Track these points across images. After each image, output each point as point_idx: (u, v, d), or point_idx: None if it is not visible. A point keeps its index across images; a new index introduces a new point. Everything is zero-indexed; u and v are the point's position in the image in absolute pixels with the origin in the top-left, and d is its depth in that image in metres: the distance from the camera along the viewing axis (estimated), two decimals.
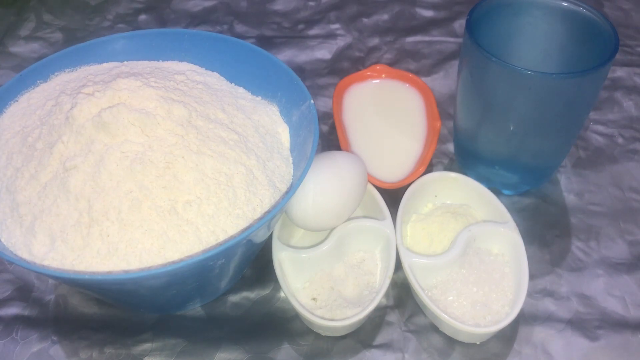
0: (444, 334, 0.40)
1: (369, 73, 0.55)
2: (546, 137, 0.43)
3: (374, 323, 0.41)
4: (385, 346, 0.40)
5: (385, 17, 0.67)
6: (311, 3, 0.68)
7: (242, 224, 0.35)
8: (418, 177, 0.45)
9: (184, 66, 0.45)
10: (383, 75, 0.55)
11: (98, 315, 0.41)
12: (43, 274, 0.33)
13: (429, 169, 0.50)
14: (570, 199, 0.48)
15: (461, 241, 0.41)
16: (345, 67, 0.61)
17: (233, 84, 0.45)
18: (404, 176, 0.47)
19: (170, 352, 0.39)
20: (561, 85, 0.38)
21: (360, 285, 0.41)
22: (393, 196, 0.45)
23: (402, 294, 0.42)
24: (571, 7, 0.42)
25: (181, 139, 0.36)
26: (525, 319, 0.41)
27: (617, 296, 0.42)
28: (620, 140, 0.53)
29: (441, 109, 0.53)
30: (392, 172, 0.48)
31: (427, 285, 0.40)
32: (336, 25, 0.65)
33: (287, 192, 0.38)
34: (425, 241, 0.43)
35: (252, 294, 0.42)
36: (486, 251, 0.41)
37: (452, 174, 0.45)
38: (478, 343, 0.39)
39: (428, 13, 0.67)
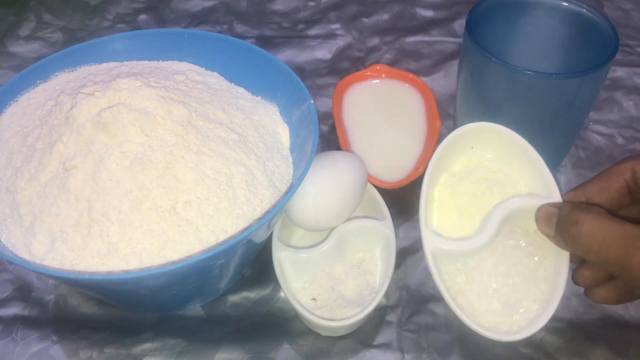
0: (444, 334, 0.40)
1: (369, 73, 0.55)
2: (546, 137, 0.43)
3: (374, 323, 0.41)
4: (385, 346, 0.40)
5: (385, 17, 0.67)
6: (311, 3, 0.68)
7: (242, 224, 0.35)
8: (418, 177, 0.45)
9: (184, 66, 0.45)
10: (383, 75, 0.55)
11: (98, 315, 0.41)
12: (43, 274, 0.33)
13: None
14: None
15: (494, 222, 0.35)
16: (345, 67, 0.61)
17: (233, 84, 0.45)
18: (404, 176, 0.47)
19: (170, 352, 0.39)
20: (561, 85, 0.38)
21: (360, 285, 0.41)
22: (393, 196, 0.45)
23: (402, 294, 0.42)
24: (571, 7, 0.42)
25: (181, 139, 0.36)
26: None
27: None
28: (620, 140, 0.53)
29: (441, 109, 0.53)
30: (392, 172, 0.48)
31: (449, 274, 0.36)
32: (336, 25, 0.65)
33: (287, 192, 0.38)
34: (454, 213, 0.37)
35: (252, 294, 0.42)
36: (524, 230, 0.36)
37: (492, 125, 0.37)
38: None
39: (428, 13, 0.67)
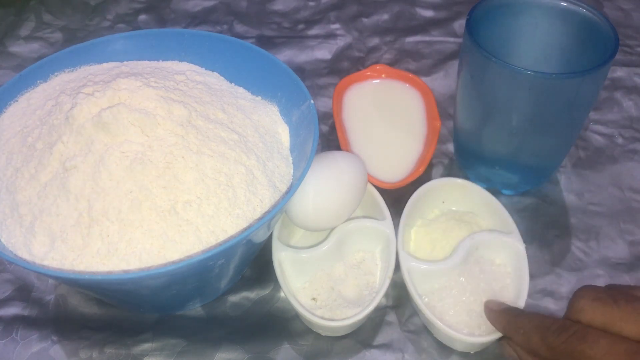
0: None
1: (369, 73, 0.55)
2: (546, 137, 0.43)
3: (374, 323, 0.41)
4: (385, 346, 0.40)
5: (385, 17, 0.67)
6: (311, 3, 0.68)
7: (242, 224, 0.35)
8: (418, 177, 0.45)
9: (184, 66, 0.45)
10: (383, 75, 0.55)
11: (98, 315, 0.41)
12: (43, 274, 0.33)
13: (429, 169, 0.50)
14: (570, 199, 0.48)
15: (463, 249, 0.40)
16: (345, 67, 0.61)
17: (233, 84, 0.45)
18: (404, 176, 0.47)
19: (170, 352, 0.39)
20: (561, 85, 0.38)
21: (360, 285, 0.41)
22: (393, 196, 0.45)
23: (402, 294, 0.42)
24: (571, 7, 0.42)
25: (181, 139, 0.36)
26: None
27: None
28: (620, 140, 0.53)
29: (441, 109, 0.53)
30: (392, 172, 0.48)
31: (424, 291, 0.40)
32: (336, 25, 0.65)
33: (287, 192, 0.38)
34: (427, 247, 0.43)
35: (252, 294, 0.42)
36: (489, 261, 0.41)
37: (460, 181, 0.44)
38: (472, 352, 0.39)
39: (428, 13, 0.67)
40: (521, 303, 0.38)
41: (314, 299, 0.40)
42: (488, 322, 0.38)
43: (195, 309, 0.42)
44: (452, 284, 0.40)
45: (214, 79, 0.44)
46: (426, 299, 0.39)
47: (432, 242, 0.43)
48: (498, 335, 0.37)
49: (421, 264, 0.40)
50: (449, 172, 0.50)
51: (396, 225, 0.41)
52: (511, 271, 0.40)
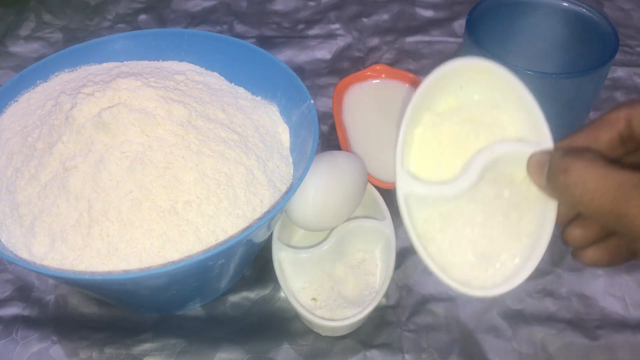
0: (444, 334, 0.40)
1: (369, 73, 0.55)
2: None
3: (374, 323, 0.41)
4: (385, 346, 0.40)
5: (385, 17, 0.67)
6: (311, 3, 0.68)
7: (242, 224, 0.35)
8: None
9: (184, 66, 0.45)
10: (383, 75, 0.55)
11: (98, 315, 0.41)
12: (43, 274, 0.33)
13: None
14: None
15: (477, 166, 0.30)
16: (345, 67, 0.61)
17: (233, 84, 0.45)
18: None
19: (170, 352, 0.39)
20: (561, 85, 0.38)
21: (360, 285, 0.41)
22: (393, 196, 0.45)
23: (402, 294, 0.42)
24: (571, 7, 0.42)
25: (181, 139, 0.36)
26: (525, 319, 0.41)
27: (617, 296, 0.42)
28: None
29: None
30: (392, 172, 0.48)
31: (419, 219, 0.31)
32: (336, 25, 0.65)
33: (287, 192, 0.38)
34: (434, 155, 0.33)
35: (252, 294, 0.42)
36: (509, 178, 0.31)
37: (487, 63, 0.32)
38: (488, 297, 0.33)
39: (428, 13, 0.67)
40: (546, 235, 0.30)
41: (314, 299, 0.40)
42: (498, 266, 0.30)
43: (195, 309, 0.42)
44: (459, 213, 0.31)
45: (214, 79, 0.44)
46: (422, 230, 0.31)
47: (440, 149, 0.33)
48: (508, 288, 0.29)
49: (424, 188, 0.31)
50: None
51: (396, 225, 0.41)
52: (536, 190, 0.31)
